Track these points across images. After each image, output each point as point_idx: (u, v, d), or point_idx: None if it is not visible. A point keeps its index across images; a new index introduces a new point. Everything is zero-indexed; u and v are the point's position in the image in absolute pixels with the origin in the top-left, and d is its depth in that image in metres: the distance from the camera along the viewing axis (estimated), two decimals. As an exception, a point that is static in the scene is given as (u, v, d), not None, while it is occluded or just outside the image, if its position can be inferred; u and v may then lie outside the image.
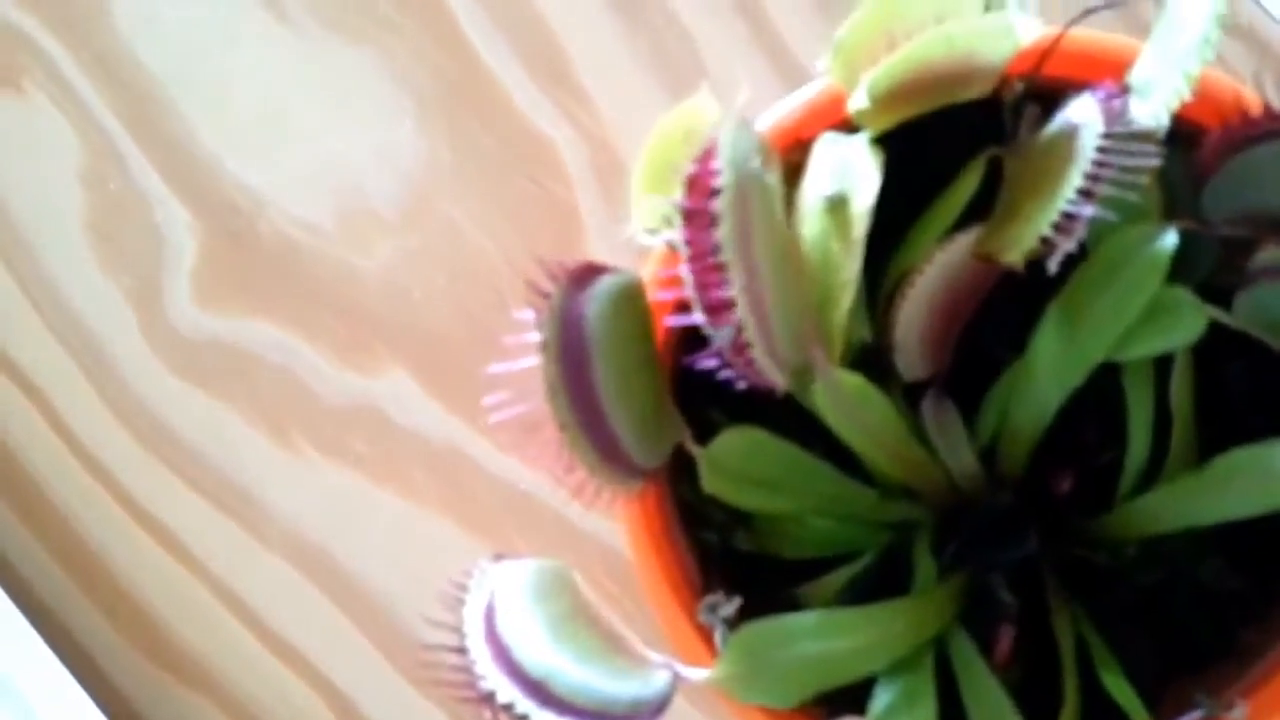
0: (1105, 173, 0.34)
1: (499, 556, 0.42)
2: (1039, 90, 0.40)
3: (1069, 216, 0.34)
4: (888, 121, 0.38)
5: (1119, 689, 0.39)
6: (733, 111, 0.34)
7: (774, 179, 0.35)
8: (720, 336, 0.34)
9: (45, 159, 0.77)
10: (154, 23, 0.77)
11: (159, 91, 0.76)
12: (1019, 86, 0.40)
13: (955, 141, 0.41)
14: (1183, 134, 0.40)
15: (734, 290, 0.33)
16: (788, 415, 0.41)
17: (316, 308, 0.75)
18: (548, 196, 0.75)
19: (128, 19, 0.76)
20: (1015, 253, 0.36)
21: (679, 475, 0.43)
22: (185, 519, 0.74)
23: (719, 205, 0.32)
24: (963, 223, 0.40)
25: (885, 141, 0.40)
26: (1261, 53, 0.69)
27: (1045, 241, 0.35)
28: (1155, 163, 0.34)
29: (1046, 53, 0.39)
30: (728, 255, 0.32)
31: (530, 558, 0.42)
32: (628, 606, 0.67)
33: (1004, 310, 0.42)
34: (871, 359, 0.42)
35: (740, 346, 0.34)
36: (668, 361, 0.42)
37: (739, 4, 0.73)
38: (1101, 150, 0.35)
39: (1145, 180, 0.34)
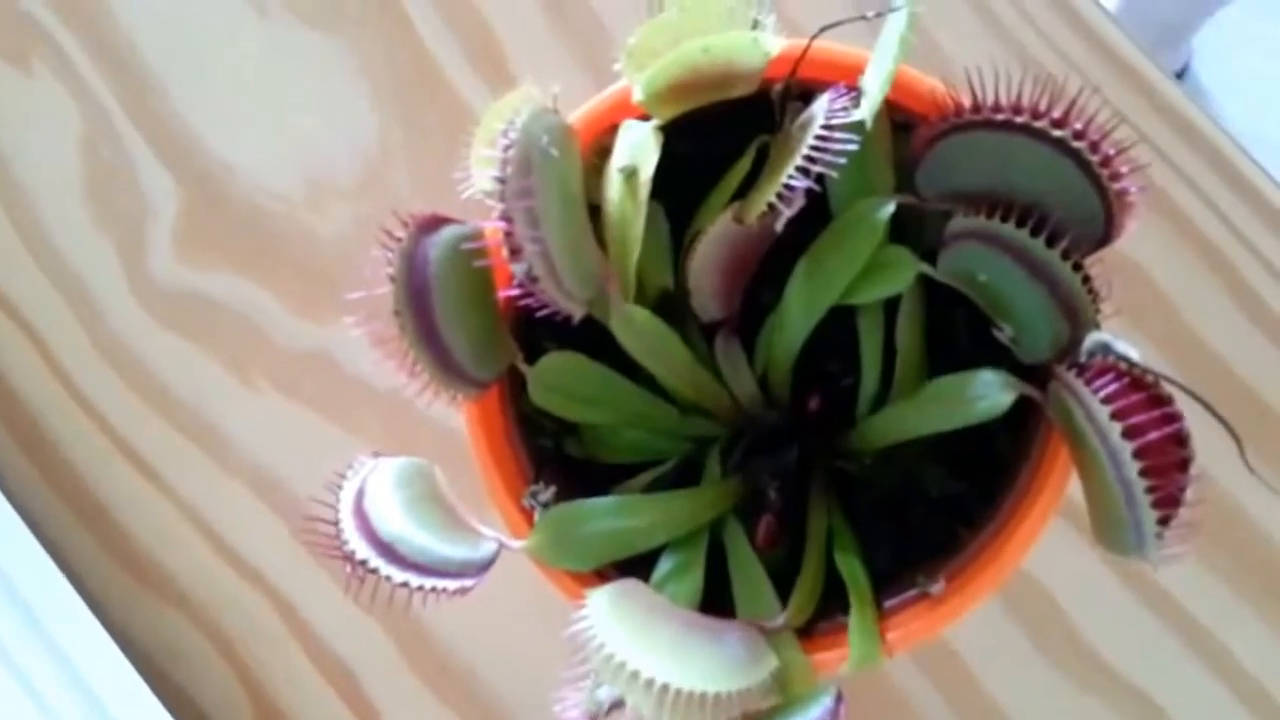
0: (820, 155, 0.44)
1: (376, 453, 0.53)
2: (801, 89, 0.50)
3: (789, 188, 0.44)
4: (671, 112, 0.48)
5: (847, 566, 0.49)
6: (535, 100, 0.44)
7: (563, 151, 0.45)
8: (518, 272, 0.44)
9: (48, 128, 0.85)
10: (150, 14, 0.85)
11: (150, 73, 0.84)
12: (779, 87, 0.50)
13: (741, 130, 0.51)
14: (909, 124, 0.50)
15: (521, 237, 0.43)
16: (608, 347, 0.51)
17: (278, 264, 0.83)
18: (483, 171, 0.84)
19: (127, 10, 0.85)
20: (751, 216, 0.46)
21: (517, 391, 0.53)
22: (158, 446, 0.82)
23: (508, 170, 0.42)
24: (740, 194, 0.50)
25: (689, 131, 0.50)
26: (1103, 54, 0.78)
27: (771, 208, 0.45)
28: (854, 148, 0.44)
29: (798, 60, 0.48)
30: (514, 210, 0.42)
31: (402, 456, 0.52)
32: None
33: (782, 266, 0.52)
34: (674, 302, 0.52)
35: (533, 280, 0.44)
36: (508, 299, 0.51)
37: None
38: (819, 138, 0.44)
39: (844, 161, 0.43)
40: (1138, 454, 0.41)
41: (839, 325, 0.50)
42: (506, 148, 0.43)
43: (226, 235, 0.84)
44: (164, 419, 0.83)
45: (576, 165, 0.46)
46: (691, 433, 0.53)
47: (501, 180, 0.43)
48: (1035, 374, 0.47)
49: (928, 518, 0.53)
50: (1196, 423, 0.44)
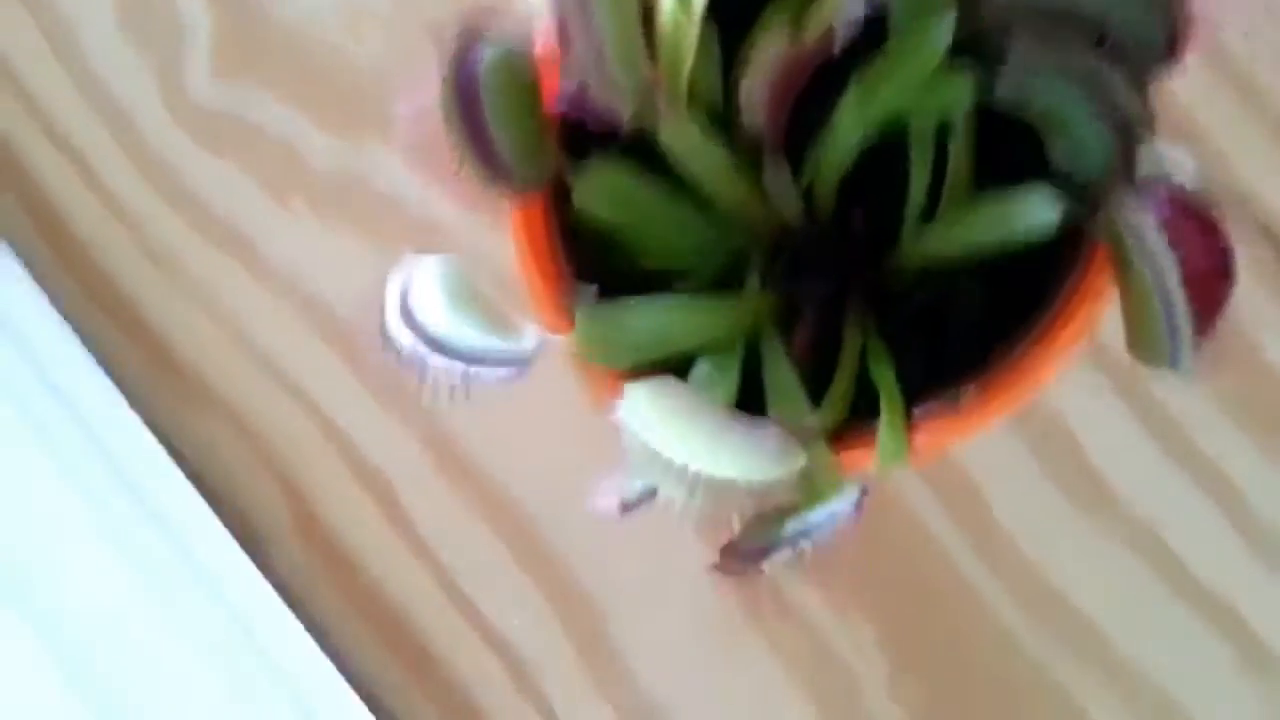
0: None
1: (419, 251, 0.54)
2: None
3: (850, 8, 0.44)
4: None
5: (880, 375, 0.50)
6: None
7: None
8: (568, 68, 0.44)
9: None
10: None
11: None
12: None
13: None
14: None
15: (574, 27, 0.43)
16: (651, 165, 0.52)
17: (314, 86, 0.84)
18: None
19: None
20: (810, 37, 0.46)
21: (561, 203, 0.54)
22: (197, 263, 0.85)
23: (559, -30, 0.42)
24: (796, 16, 0.50)
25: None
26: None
27: (831, 28, 0.45)
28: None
29: None
30: (568, 10, 0.43)
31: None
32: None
33: (834, 85, 0.52)
34: (723, 119, 0.53)
35: (582, 82, 0.44)
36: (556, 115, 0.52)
37: None
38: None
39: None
40: (1182, 265, 0.42)
41: (886, 152, 0.51)
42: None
43: (262, 57, 0.85)
44: (202, 236, 0.86)
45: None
46: (734, 245, 0.54)
47: (557, -21, 0.43)
48: (1083, 199, 0.47)
49: (962, 340, 0.54)
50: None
